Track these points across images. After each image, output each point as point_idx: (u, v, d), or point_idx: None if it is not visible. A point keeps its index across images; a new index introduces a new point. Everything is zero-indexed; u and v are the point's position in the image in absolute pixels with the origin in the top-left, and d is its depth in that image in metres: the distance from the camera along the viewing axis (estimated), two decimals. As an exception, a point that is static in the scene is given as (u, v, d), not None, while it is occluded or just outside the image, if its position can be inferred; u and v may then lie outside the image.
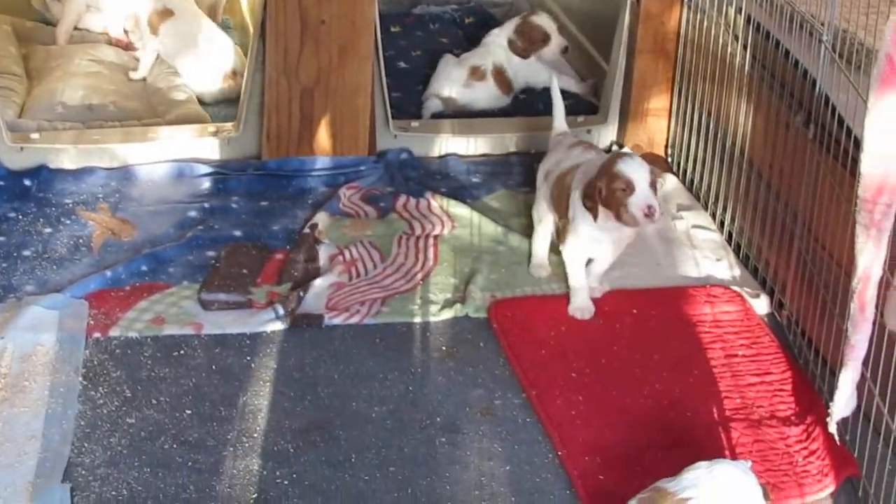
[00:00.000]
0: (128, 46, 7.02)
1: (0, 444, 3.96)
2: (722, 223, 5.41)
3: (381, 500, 3.85)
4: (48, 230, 5.24)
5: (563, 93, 5.45)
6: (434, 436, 4.15)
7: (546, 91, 6.57)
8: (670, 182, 5.81)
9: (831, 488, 3.95)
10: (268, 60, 5.70)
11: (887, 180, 3.44)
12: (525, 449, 4.10)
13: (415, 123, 6.13)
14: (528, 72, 6.64)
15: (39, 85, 6.42)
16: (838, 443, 3.98)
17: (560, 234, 4.89)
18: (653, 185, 4.49)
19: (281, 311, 4.72)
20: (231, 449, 4.04)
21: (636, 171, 4.48)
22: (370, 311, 4.79)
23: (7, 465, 3.87)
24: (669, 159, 6.05)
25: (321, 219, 5.37)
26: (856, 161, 3.56)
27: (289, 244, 5.23)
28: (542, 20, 6.63)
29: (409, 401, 4.32)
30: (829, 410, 3.87)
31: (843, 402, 3.83)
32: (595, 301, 4.83)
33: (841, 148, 4.25)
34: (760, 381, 4.45)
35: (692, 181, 5.77)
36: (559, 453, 4.07)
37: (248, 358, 4.51)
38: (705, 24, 5.55)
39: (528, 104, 6.57)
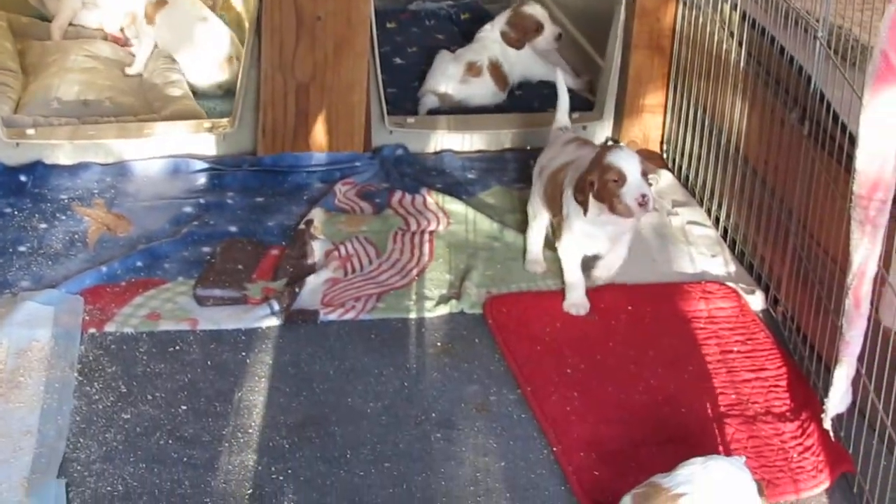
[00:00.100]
0: (124, 43, 7.01)
1: (-5, 439, 3.97)
2: (717, 219, 5.42)
3: (376, 496, 3.85)
4: (44, 226, 5.24)
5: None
6: (429, 432, 4.15)
7: (542, 87, 6.64)
8: (665, 178, 5.82)
9: (826, 484, 3.95)
10: (263, 56, 5.70)
11: (882, 176, 3.45)
12: (520, 445, 4.11)
13: (410, 119, 6.13)
14: (525, 65, 6.65)
15: (35, 81, 6.41)
16: (833, 439, 3.98)
17: (555, 231, 4.90)
18: (644, 175, 4.49)
19: (276, 307, 4.72)
20: (226, 444, 4.04)
21: (626, 162, 4.49)
22: (365, 306, 4.79)
23: (2, 460, 3.87)
24: (665, 155, 6.06)
25: (316, 215, 5.37)
26: (851, 157, 3.57)
27: (284, 240, 5.23)
28: (534, 9, 6.63)
29: (404, 397, 4.32)
30: (824, 406, 3.88)
31: (838, 398, 3.84)
32: (590, 297, 4.83)
33: (836, 144, 4.26)
34: (755, 377, 4.46)
35: (687, 177, 5.77)
36: (554, 449, 4.07)
37: (244, 354, 4.51)
38: (700, 20, 5.55)
39: (523, 100, 6.57)
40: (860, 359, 3.78)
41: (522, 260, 5.13)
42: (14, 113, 5.98)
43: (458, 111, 6.37)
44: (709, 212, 5.50)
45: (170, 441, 4.05)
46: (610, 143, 6.12)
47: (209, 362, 4.46)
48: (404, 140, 6.03)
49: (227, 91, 6.50)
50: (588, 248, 4.81)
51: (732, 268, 5.15)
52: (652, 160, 5.77)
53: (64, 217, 5.31)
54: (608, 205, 4.51)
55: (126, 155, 5.79)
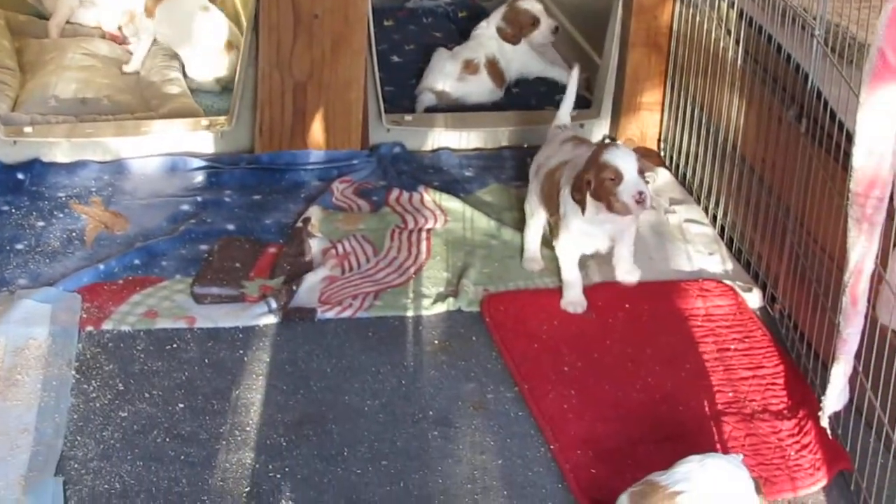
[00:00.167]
0: (123, 41, 7.01)
1: (-8, 437, 3.98)
2: (714, 217, 5.42)
3: (373, 494, 3.85)
4: (41, 224, 5.24)
5: (555, 84, 5.44)
6: (426, 429, 4.15)
7: (539, 85, 6.67)
8: (663, 176, 5.82)
9: (823, 482, 3.95)
10: (260, 54, 5.70)
11: (879, 174, 3.45)
12: (517, 443, 4.11)
13: (408, 117, 6.13)
14: (521, 61, 6.66)
15: (33, 79, 6.41)
16: (830, 437, 3.98)
17: (552, 230, 4.90)
18: (641, 172, 4.50)
19: (273, 305, 4.72)
20: (223, 442, 4.05)
21: (623, 160, 4.49)
22: (363, 304, 4.79)
23: (-1, 458, 3.88)
24: (662, 153, 6.06)
25: (314, 212, 5.37)
26: (848, 155, 3.56)
27: (282, 238, 5.23)
28: (529, 4, 6.63)
29: (401, 394, 4.32)
30: (822, 404, 3.88)
31: (835, 396, 3.84)
32: (587, 295, 4.83)
33: (833, 142, 4.26)
34: (753, 374, 4.46)
35: (685, 175, 5.77)
36: (551, 447, 4.07)
37: (241, 352, 4.51)
38: (698, 18, 5.55)
39: (520, 98, 6.58)
40: (857, 356, 3.78)
41: (520, 258, 5.13)
42: (12, 111, 5.98)
43: (455, 109, 6.37)
44: (706, 210, 5.50)
45: (167, 439, 4.05)
46: (607, 140, 6.12)
47: (206, 360, 4.46)
48: (402, 138, 6.03)
49: (224, 87, 6.51)
50: (586, 246, 4.81)
51: (730, 265, 5.16)
52: (649, 158, 5.77)
53: (61, 215, 5.31)
54: (605, 203, 4.52)
55: (123, 153, 5.78)
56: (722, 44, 5.30)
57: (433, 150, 6.07)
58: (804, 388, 4.37)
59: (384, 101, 5.98)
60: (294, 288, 4.80)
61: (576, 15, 7.18)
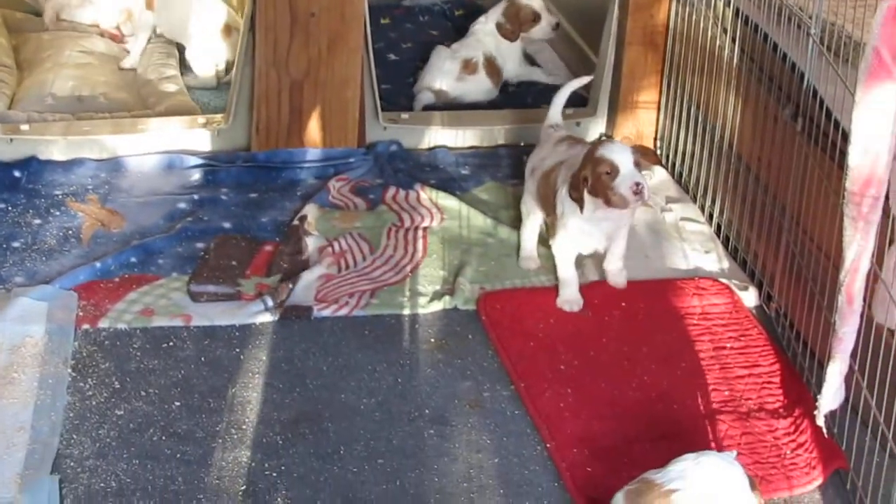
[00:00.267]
0: (121, 40, 7.01)
1: (-12, 435, 3.98)
2: (710, 215, 5.42)
3: (369, 492, 3.85)
4: (37, 221, 5.24)
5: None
6: (423, 428, 4.15)
7: (535, 83, 6.64)
8: (659, 174, 5.82)
9: (819, 481, 3.96)
10: (257, 53, 5.70)
11: (875, 173, 3.45)
12: (513, 441, 4.11)
13: (404, 115, 6.12)
14: (515, 60, 6.65)
15: (30, 76, 6.41)
16: (826, 435, 3.99)
17: (549, 229, 4.90)
18: (637, 165, 4.50)
19: (270, 303, 4.73)
20: (220, 441, 4.05)
21: (618, 153, 4.49)
22: (359, 303, 4.79)
23: (-5, 456, 3.88)
24: (658, 152, 6.06)
25: (310, 210, 5.37)
26: (844, 154, 3.57)
27: (278, 236, 5.23)
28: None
29: (397, 393, 4.32)
30: (818, 403, 3.88)
31: (831, 395, 3.84)
32: (583, 294, 4.83)
33: (829, 141, 4.26)
34: (748, 373, 4.46)
35: (681, 174, 5.77)
36: (547, 445, 4.08)
37: (237, 350, 4.51)
38: (694, 16, 5.55)
39: (517, 96, 6.58)
40: (853, 355, 3.78)
41: (516, 256, 5.13)
42: (8, 108, 5.98)
43: (451, 107, 6.37)
44: (702, 208, 5.50)
45: (163, 437, 4.05)
46: (604, 138, 6.12)
47: (203, 358, 4.46)
48: (398, 136, 6.03)
49: (221, 80, 6.53)
50: (583, 245, 4.81)
51: (726, 264, 5.16)
52: (646, 156, 5.77)
53: (58, 213, 5.31)
54: (603, 198, 4.51)
55: (120, 150, 5.78)
56: (718, 42, 5.30)
57: (430, 149, 6.07)
58: (800, 386, 4.37)
59: (381, 99, 5.98)
60: (290, 286, 4.80)
61: (572, 13, 7.18)
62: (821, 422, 3.90)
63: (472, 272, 5.00)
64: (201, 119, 5.98)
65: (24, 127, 5.74)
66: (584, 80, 5.42)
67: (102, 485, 3.83)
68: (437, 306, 4.80)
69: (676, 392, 4.35)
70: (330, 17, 5.65)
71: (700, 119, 5.52)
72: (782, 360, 4.53)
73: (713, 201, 5.40)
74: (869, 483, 3.81)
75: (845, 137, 3.68)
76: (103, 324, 4.60)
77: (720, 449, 4.00)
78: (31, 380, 4.23)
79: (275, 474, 3.91)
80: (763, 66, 4.95)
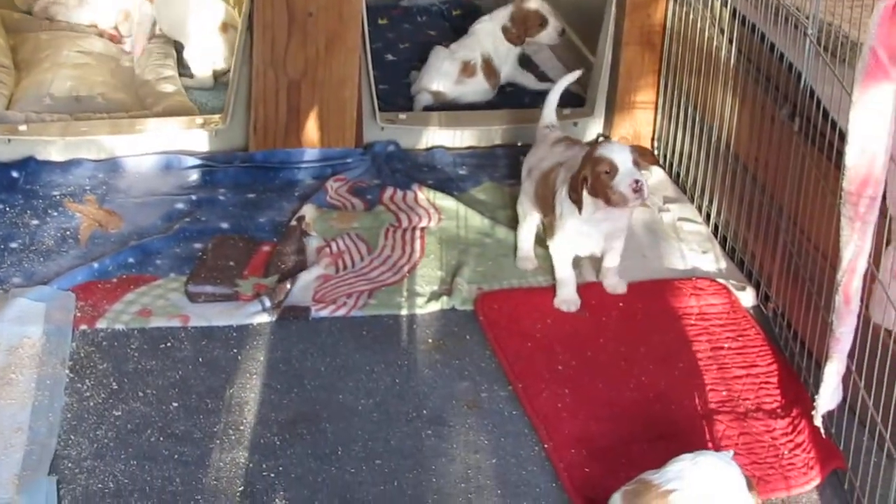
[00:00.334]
0: (119, 40, 7.02)
1: (-14, 436, 3.97)
2: (708, 216, 5.42)
3: (367, 493, 3.86)
4: (35, 222, 5.24)
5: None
6: (420, 428, 4.15)
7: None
8: (657, 175, 5.82)
9: (817, 481, 3.96)
10: (255, 52, 5.70)
11: (872, 173, 3.45)
12: (511, 441, 4.11)
13: (402, 116, 6.12)
14: (512, 63, 6.65)
15: (28, 76, 6.41)
16: (824, 435, 3.98)
17: (547, 230, 4.90)
18: (636, 164, 4.50)
19: (268, 304, 4.73)
20: (217, 441, 4.05)
21: (617, 152, 4.50)
22: (357, 303, 4.79)
23: (-7, 457, 3.88)
24: (656, 152, 6.06)
25: (308, 211, 5.38)
26: (841, 154, 3.57)
27: (276, 236, 5.23)
28: (537, 4, 6.60)
29: (395, 393, 4.32)
30: (815, 403, 3.87)
31: (828, 395, 3.84)
32: (581, 294, 4.83)
33: (826, 141, 4.26)
34: (746, 373, 4.46)
35: (678, 174, 5.77)
36: (545, 446, 4.08)
37: (235, 350, 4.51)
38: (691, 16, 5.56)
39: (514, 97, 6.58)
40: (850, 355, 3.78)
41: (513, 256, 5.13)
42: (6, 109, 5.98)
43: (449, 107, 6.37)
44: (700, 208, 5.50)
45: (161, 438, 4.05)
46: (601, 139, 6.12)
47: (200, 359, 4.46)
48: (396, 136, 6.03)
49: (219, 78, 6.55)
50: (581, 247, 4.81)
51: (723, 264, 5.16)
52: (644, 157, 5.77)
53: (56, 213, 5.31)
54: (603, 197, 4.51)
55: (118, 151, 5.78)
56: (715, 42, 5.30)
57: (427, 149, 6.07)
58: (797, 386, 4.37)
59: (378, 99, 5.98)
60: (288, 286, 4.80)
61: (570, 13, 7.17)
62: (818, 422, 3.90)
63: (469, 272, 5.01)
64: (199, 119, 5.98)
65: (22, 127, 5.73)
66: (575, 75, 5.39)
67: (100, 485, 3.83)
68: (435, 307, 4.81)
69: (674, 392, 4.35)
70: (328, 16, 5.65)
71: (697, 119, 5.53)
72: (780, 360, 4.53)
73: (710, 201, 5.40)
74: (867, 483, 3.81)
75: (842, 137, 3.68)
76: (101, 324, 4.60)
77: (718, 449, 3.98)
78: (28, 381, 4.23)
79: (272, 475, 3.91)
80: (760, 66, 4.95)
